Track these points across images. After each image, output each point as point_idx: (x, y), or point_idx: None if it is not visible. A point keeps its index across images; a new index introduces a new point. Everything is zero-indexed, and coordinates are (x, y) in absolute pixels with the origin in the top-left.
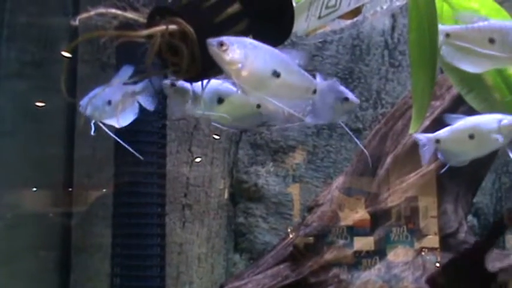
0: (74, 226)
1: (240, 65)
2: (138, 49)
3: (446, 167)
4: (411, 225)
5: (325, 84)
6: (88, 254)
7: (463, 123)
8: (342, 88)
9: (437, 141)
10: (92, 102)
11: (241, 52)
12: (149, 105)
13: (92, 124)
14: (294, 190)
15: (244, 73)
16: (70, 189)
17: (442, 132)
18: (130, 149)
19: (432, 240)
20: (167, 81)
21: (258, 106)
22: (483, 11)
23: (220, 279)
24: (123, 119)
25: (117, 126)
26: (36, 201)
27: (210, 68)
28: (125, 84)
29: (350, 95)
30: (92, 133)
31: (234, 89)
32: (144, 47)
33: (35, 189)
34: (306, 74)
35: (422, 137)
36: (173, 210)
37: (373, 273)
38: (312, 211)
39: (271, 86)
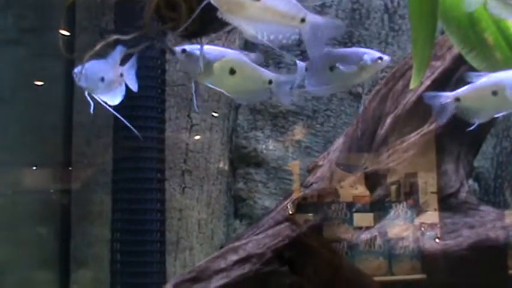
0: (74, 193)
1: None
2: (137, 13)
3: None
4: (411, 201)
5: (319, 18)
6: (88, 220)
7: (485, 80)
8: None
9: (457, 99)
10: (86, 75)
11: None
12: (133, 86)
13: (88, 97)
14: (292, 156)
15: None
16: (69, 156)
17: (462, 90)
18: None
19: (432, 215)
20: (179, 48)
21: (270, 82)
22: None
23: (220, 244)
24: (113, 98)
25: (110, 103)
26: (35, 169)
27: (209, 23)
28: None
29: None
30: (92, 111)
31: (248, 61)
32: (143, 10)
33: (33, 156)
34: (293, 1)
35: (441, 95)
36: (173, 176)
37: (373, 231)
38: (312, 172)
39: (250, 10)
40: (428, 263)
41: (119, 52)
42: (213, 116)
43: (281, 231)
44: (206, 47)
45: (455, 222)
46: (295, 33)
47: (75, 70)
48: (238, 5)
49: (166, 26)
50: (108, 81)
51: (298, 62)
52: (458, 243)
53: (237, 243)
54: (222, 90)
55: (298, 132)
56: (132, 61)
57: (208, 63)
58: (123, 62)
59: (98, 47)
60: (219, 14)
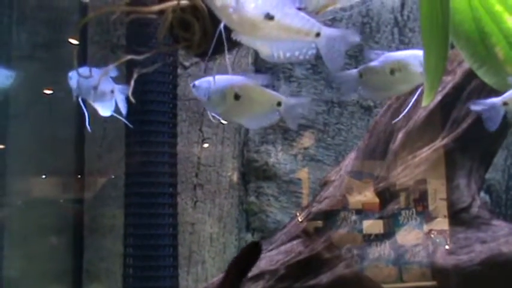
0: (86, 207)
1: (231, 9)
2: (147, 30)
3: None
4: (420, 208)
5: (335, 31)
6: (100, 234)
7: None
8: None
9: (505, 103)
10: (80, 80)
11: None
12: (123, 107)
13: (80, 101)
14: (303, 169)
15: (235, 18)
16: (82, 170)
17: (508, 94)
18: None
19: (441, 222)
20: (191, 82)
21: (279, 104)
22: None
23: (232, 258)
24: (103, 109)
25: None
26: (47, 183)
27: (222, 43)
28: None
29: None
30: (85, 112)
31: (254, 83)
32: (154, 27)
33: (46, 171)
34: (306, 16)
35: (488, 102)
36: (185, 190)
37: (385, 249)
38: (324, 188)
39: (265, 29)
40: (441, 278)
41: (113, 69)
42: (224, 129)
43: (294, 248)
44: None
45: (468, 237)
46: (312, 48)
47: (69, 74)
48: (252, 26)
49: (179, 45)
50: (100, 92)
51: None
52: (471, 259)
53: None
54: (230, 119)
55: (310, 145)
56: (125, 87)
57: (215, 94)
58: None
59: (111, 67)
60: (233, 36)
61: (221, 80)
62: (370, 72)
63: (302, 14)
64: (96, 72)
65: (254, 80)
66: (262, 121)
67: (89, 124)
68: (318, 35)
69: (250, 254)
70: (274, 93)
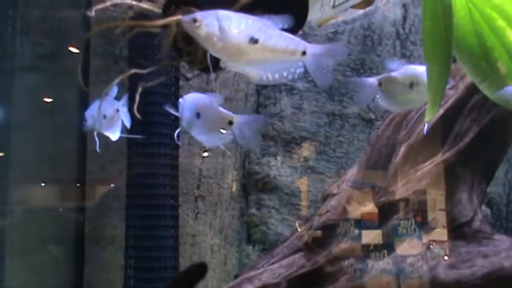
0: (88, 218)
1: (215, 38)
2: (150, 42)
3: None
4: (419, 219)
5: (320, 47)
6: (102, 245)
7: None
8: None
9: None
10: (91, 115)
11: (214, 25)
12: (127, 121)
13: (96, 137)
14: (305, 182)
15: (220, 45)
16: (83, 181)
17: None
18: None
19: (440, 233)
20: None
21: (230, 122)
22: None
23: (233, 270)
24: (114, 133)
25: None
26: (49, 194)
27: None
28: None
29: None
30: (98, 149)
31: (211, 101)
32: (157, 38)
33: (48, 182)
34: (290, 36)
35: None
36: (186, 202)
37: (387, 263)
38: (326, 201)
39: (250, 53)
40: None
41: (115, 89)
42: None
43: (296, 261)
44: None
45: (470, 251)
46: (300, 67)
47: (86, 116)
48: (238, 51)
49: (182, 59)
50: (109, 118)
51: None
52: (473, 273)
53: (252, 273)
54: (196, 137)
55: (311, 158)
56: (125, 99)
57: (183, 112)
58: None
59: (115, 82)
60: (221, 64)
61: (189, 98)
62: (390, 82)
63: (286, 34)
64: (100, 101)
65: (214, 99)
66: (216, 140)
67: (99, 147)
68: (304, 53)
69: (192, 275)
70: (226, 112)
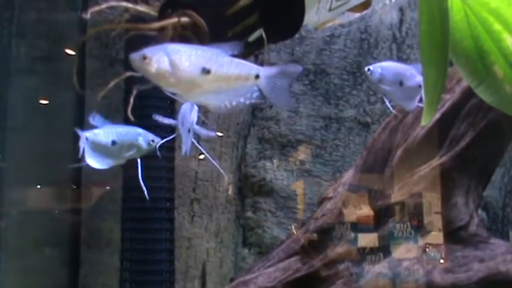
0: (83, 221)
1: (167, 74)
2: (146, 44)
3: None
4: (415, 222)
5: (272, 69)
6: (97, 248)
7: None
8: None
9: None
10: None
11: (164, 60)
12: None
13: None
14: (301, 185)
15: (173, 80)
16: (79, 184)
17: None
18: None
19: (436, 236)
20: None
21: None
22: (493, 3)
23: (229, 273)
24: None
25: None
26: (45, 196)
27: None
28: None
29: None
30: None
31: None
32: (153, 41)
33: (44, 184)
34: (241, 62)
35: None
36: (182, 205)
37: (383, 267)
38: (322, 205)
39: (204, 84)
40: None
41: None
42: (222, 144)
43: (291, 265)
44: None
45: (466, 256)
46: (256, 91)
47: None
48: (191, 83)
49: None
50: (120, 144)
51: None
52: (469, 277)
53: (247, 277)
54: None
55: (307, 161)
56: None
57: None
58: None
59: (111, 85)
60: (177, 98)
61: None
62: None
63: (237, 60)
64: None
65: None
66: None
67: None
68: (257, 77)
69: None
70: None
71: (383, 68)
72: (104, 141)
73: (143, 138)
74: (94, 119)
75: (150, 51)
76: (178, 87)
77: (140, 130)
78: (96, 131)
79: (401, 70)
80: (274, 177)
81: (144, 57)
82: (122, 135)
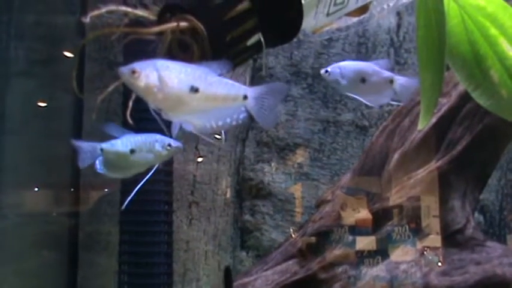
0: (81, 223)
1: (155, 89)
2: (145, 47)
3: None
4: (413, 225)
5: (260, 89)
6: (95, 251)
7: None
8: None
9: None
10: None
11: (154, 75)
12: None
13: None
14: (299, 188)
15: (161, 96)
16: (77, 187)
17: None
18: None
19: (434, 239)
20: None
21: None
22: (490, 8)
23: None
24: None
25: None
26: (43, 199)
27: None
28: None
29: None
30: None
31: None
32: (152, 45)
33: (42, 187)
34: (230, 82)
35: None
36: (180, 208)
37: (380, 270)
38: (320, 208)
39: (192, 102)
40: None
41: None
42: (220, 147)
43: (289, 268)
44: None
45: (462, 259)
46: (243, 112)
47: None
48: (179, 101)
49: None
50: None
51: None
52: (465, 280)
53: (245, 279)
54: None
55: (305, 164)
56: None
57: None
58: None
59: (110, 88)
60: (163, 115)
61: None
62: None
63: (225, 80)
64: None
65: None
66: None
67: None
68: (245, 97)
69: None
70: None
71: (341, 67)
72: (122, 150)
73: (160, 143)
74: (109, 128)
75: (140, 66)
76: (165, 104)
77: (157, 136)
78: (113, 141)
79: (361, 67)
80: (272, 180)
81: (133, 71)
82: (139, 143)
